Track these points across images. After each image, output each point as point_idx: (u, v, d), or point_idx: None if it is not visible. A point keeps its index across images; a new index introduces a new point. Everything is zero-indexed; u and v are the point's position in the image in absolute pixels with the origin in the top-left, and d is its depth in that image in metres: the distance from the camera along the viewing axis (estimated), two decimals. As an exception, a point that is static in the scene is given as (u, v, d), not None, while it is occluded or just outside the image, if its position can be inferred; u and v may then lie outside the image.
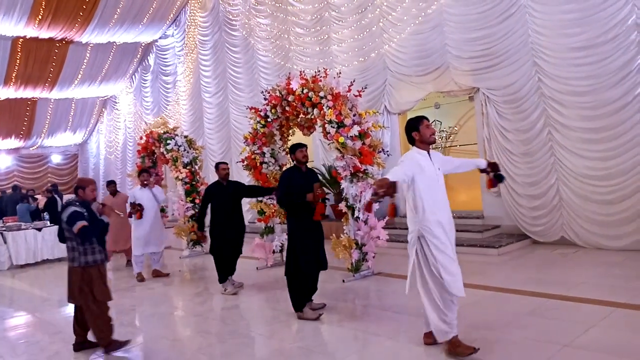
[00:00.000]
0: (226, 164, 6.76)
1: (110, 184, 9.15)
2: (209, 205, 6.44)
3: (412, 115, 3.97)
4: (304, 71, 7.20)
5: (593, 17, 6.70)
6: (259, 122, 7.61)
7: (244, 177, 11.64)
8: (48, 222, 10.89)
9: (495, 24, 7.74)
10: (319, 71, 6.83)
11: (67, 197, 18.42)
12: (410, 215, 3.79)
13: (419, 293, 3.74)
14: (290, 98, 6.95)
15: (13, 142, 19.48)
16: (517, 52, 7.52)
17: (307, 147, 5.40)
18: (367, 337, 4.35)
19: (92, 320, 4.51)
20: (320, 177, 5.43)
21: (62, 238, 4.61)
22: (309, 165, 5.59)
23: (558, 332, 3.96)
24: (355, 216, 6.38)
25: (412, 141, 3.85)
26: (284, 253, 7.96)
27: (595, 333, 3.89)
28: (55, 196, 13.18)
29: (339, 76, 6.85)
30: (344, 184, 6.48)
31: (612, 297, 4.67)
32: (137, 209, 7.61)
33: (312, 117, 6.84)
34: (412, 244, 3.76)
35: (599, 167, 6.81)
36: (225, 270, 6.46)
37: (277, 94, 7.18)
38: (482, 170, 4.03)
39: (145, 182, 7.85)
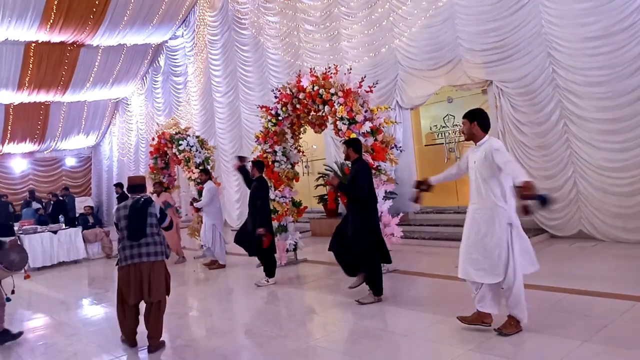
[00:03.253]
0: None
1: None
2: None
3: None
4: (314, 68, 7.15)
5: (608, 6, 6.56)
6: (270, 120, 7.59)
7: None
8: (63, 225, 10.99)
9: (507, 15, 7.62)
10: (330, 68, 6.78)
11: (80, 199, 18.66)
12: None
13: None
14: (300, 96, 6.92)
15: (28, 146, 19.70)
16: (530, 43, 7.39)
17: (346, 146, 5.47)
18: (382, 335, 4.31)
19: (161, 316, 4.55)
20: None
21: (142, 235, 4.47)
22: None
23: (577, 327, 3.88)
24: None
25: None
26: (298, 252, 7.95)
27: (616, 328, 3.81)
28: (63, 199, 13.36)
29: (350, 72, 6.79)
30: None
31: (632, 291, 4.57)
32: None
33: (323, 114, 6.80)
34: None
35: (616, 159, 6.68)
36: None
37: (288, 91, 7.15)
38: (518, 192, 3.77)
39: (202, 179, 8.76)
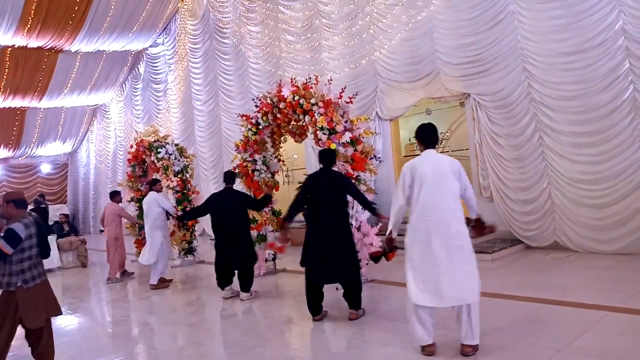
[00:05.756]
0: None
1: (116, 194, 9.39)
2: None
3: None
4: (295, 78, 7.18)
5: (581, 23, 6.75)
6: (250, 129, 7.58)
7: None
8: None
9: (484, 30, 7.78)
10: (310, 78, 6.82)
11: (56, 206, 18.26)
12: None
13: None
14: (281, 105, 6.93)
15: (2, 152, 19.29)
16: (506, 57, 7.55)
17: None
18: (361, 345, 4.31)
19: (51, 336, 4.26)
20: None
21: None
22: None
23: (552, 337, 3.95)
24: (347, 223, 6.33)
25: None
26: (277, 261, 7.92)
27: (589, 337, 3.88)
28: (45, 207, 13.06)
29: (330, 83, 6.84)
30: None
31: (605, 301, 4.67)
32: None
33: (304, 124, 6.82)
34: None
35: (589, 171, 6.84)
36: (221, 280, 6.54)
37: (268, 101, 7.16)
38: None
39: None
